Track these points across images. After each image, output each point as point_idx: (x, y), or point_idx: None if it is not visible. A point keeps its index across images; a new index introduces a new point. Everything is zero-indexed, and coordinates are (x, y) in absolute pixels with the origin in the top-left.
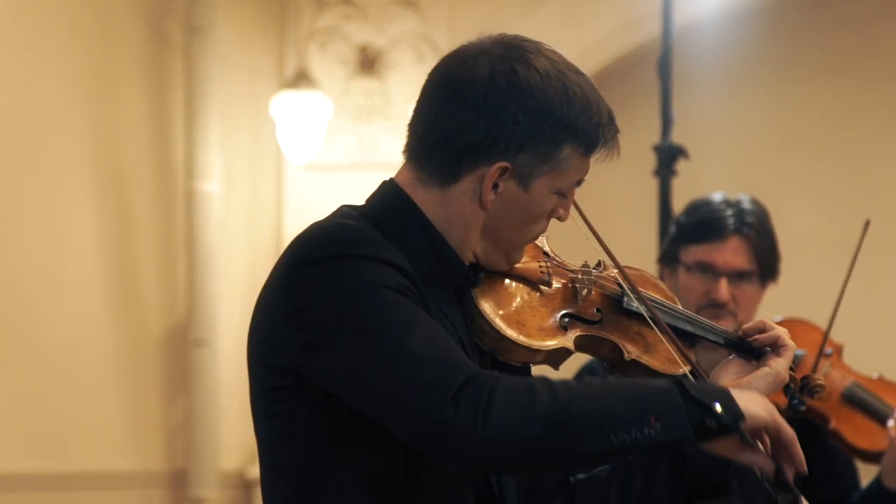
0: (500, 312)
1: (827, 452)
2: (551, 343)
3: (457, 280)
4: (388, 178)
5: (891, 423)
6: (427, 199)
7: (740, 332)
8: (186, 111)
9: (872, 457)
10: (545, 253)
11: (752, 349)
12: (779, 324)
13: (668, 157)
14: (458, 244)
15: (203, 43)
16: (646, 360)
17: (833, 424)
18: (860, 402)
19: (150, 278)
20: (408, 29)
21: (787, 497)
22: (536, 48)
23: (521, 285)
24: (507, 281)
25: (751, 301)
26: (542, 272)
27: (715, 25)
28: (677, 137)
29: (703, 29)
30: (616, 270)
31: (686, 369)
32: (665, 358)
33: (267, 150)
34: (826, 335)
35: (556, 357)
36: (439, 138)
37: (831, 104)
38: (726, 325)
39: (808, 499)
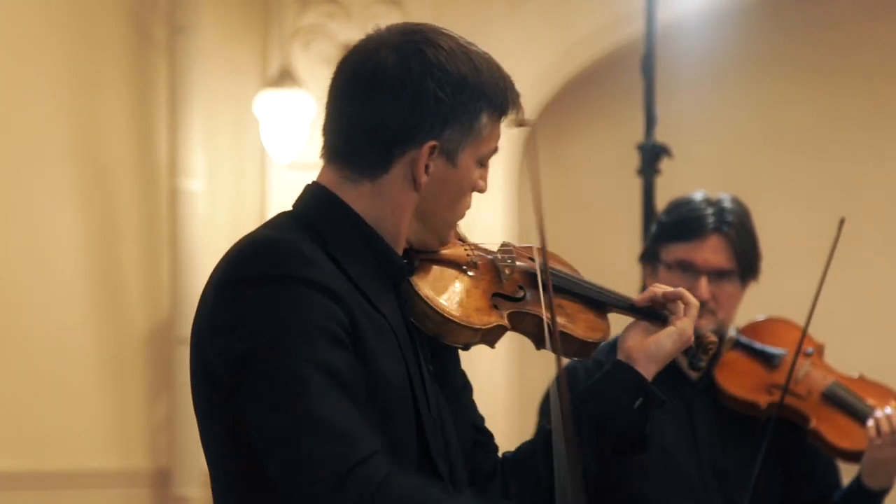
0: (441, 296)
1: (808, 452)
2: (491, 322)
3: (395, 274)
4: (310, 183)
5: (871, 422)
6: (357, 196)
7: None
8: (170, 109)
9: (853, 456)
10: (461, 238)
11: (656, 314)
12: (760, 323)
13: (651, 156)
14: (394, 233)
15: (186, 41)
16: (569, 329)
17: (814, 424)
18: (841, 401)
19: (134, 276)
20: None
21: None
22: (432, 29)
23: (452, 270)
24: (440, 266)
25: (731, 300)
26: (468, 255)
27: (698, 24)
28: (661, 136)
29: (686, 28)
30: (534, 248)
31: (602, 335)
32: (586, 326)
33: (250, 148)
34: (804, 334)
35: (492, 335)
36: (364, 133)
37: (814, 103)
38: (706, 324)
39: (789, 498)
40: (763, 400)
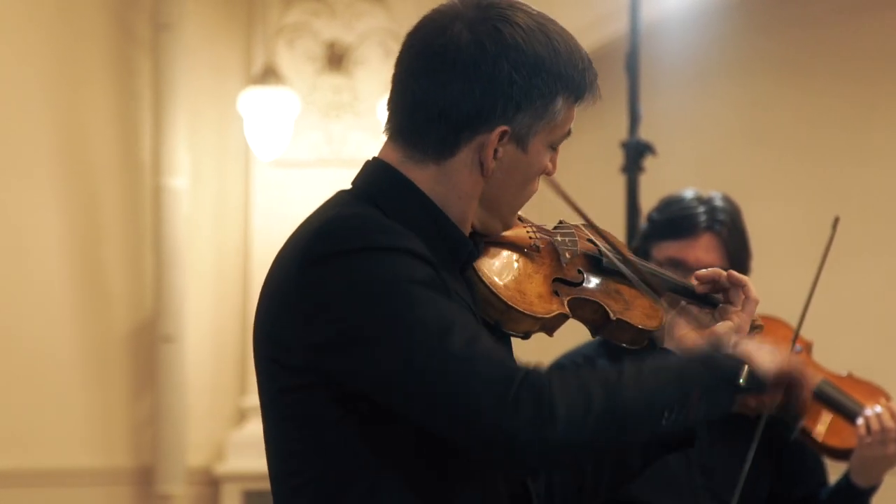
0: (504, 283)
1: (796, 450)
2: (553, 310)
3: (463, 257)
4: (372, 159)
5: (860, 420)
6: (423, 177)
7: (695, 279)
8: (154, 107)
9: (841, 454)
10: (519, 217)
11: (710, 299)
12: None
13: (635, 154)
14: (459, 218)
15: (170, 39)
16: (627, 317)
17: (803, 422)
18: (830, 399)
19: (118, 274)
20: (376, 25)
21: (792, 420)
22: (509, 4)
23: (515, 254)
24: (503, 250)
25: None
26: (531, 238)
27: (682, 22)
28: (644, 134)
29: (670, 26)
30: (588, 228)
31: (658, 323)
32: (643, 314)
33: (234, 146)
34: (796, 332)
35: (553, 324)
36: (433, 113)
37: (798, 101)
38: None
39: (777, 495)
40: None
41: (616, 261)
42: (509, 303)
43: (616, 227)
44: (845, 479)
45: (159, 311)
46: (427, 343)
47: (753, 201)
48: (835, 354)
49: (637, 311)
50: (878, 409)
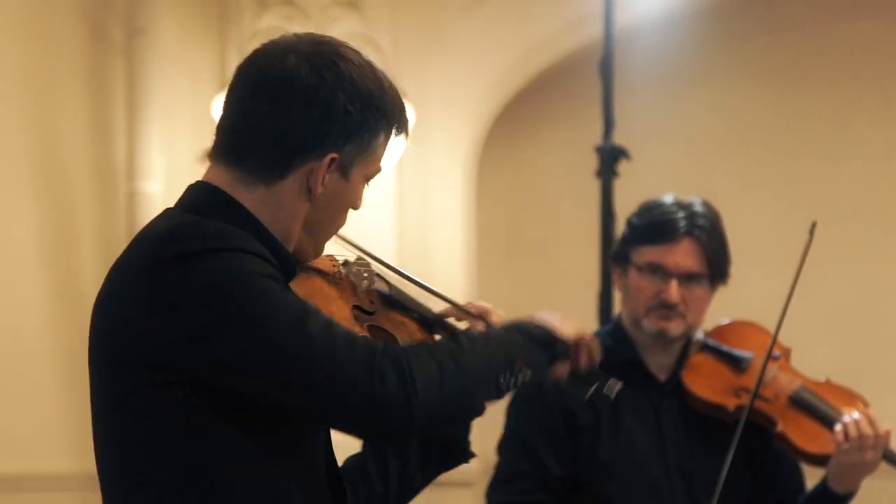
0: (317, 305)
1: (774, 455)
2: (359, 333)
3: (289, 272)
4: (195, 182)
5: (838, 427)
6: (251, 198)
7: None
8: (128, 111)
9: (819, 460)
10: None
11: (454, 330)
12: (727, 326)
13: (609, 159)
14: (284, 239)
15: (144, 43)
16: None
17: (780, 427)
18: (807, 405)
19: (91, 278)
20: (349, 30)
21: (586, 389)
22: (339, 42)
23: (322, 280)
24: (312, 276)
25: (700, 303)
26: (334, 266)
27: (656, 27)
28: (619, 139)
29: (644, 31)
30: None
31: None
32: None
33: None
34: (774, 338)
35: None
36: (268, 137)
37: (773, 106)
38: (676, 326)
39: (755, 501)
40: (731, 403)
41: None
42: None
43: (591, 231)
44: (823, 485)
45: None
46: (288, 329)
47: (729, 206)
48: (813, 360)
49: (419, 341)
50: (856, 415)
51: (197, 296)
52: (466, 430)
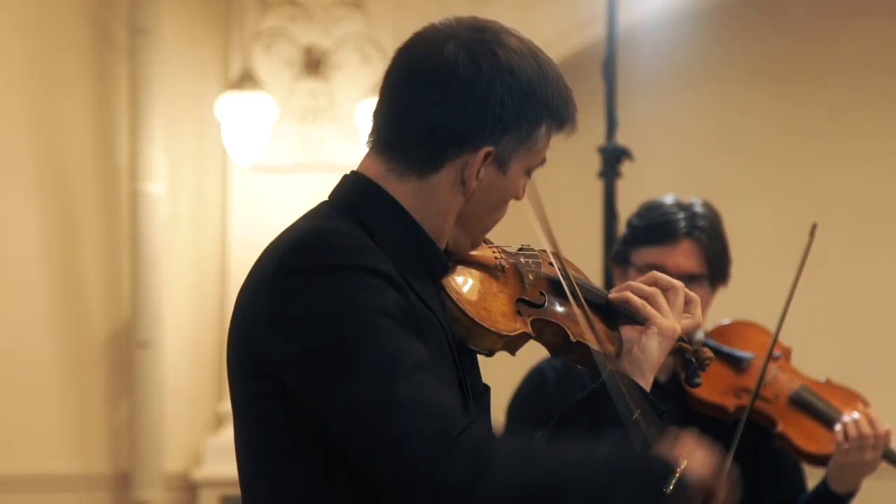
0: (471, 300)
1: (774, 455)
2: (517, 329)
3: (437, 271)
4: (351, 172)
5: (838, 426)
6: (403, 191)
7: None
8: (131, 112)
9: (819, 460)
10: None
11: (634, 317)
12: (727, 326)
13: (612, 159)
14: (436, 234)
15: (147, 43)
16: (588, 340)
17: (780, 427)
18: (808, 405)
19: (95, 279)
20: (353, 30)
21: None
22: (502, 28)
23: (482, 273)
24: (470, 269)
25: (701, 304)
26: (496, 258)
27: (660, 28)
28: (622, 139)
29: (647, 31)
30: (549, 253)
31: (614, 348)
32: (600, 338)
33: (212, 151)
34: (774, 338)
35: (516, 343)
36: (422, 129)
37: (775, 107)
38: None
39: (754, 501)
40: (731, 403)
41: (567, 289)
42: (475, 319)
43: (593, 232)
44: (823, 485)
45: (136, 316)
46: (374, 380)
47: (730, 207)
48: (813, 360)
49: (595, 335)
50: (856, 415)
51: (307, 316)
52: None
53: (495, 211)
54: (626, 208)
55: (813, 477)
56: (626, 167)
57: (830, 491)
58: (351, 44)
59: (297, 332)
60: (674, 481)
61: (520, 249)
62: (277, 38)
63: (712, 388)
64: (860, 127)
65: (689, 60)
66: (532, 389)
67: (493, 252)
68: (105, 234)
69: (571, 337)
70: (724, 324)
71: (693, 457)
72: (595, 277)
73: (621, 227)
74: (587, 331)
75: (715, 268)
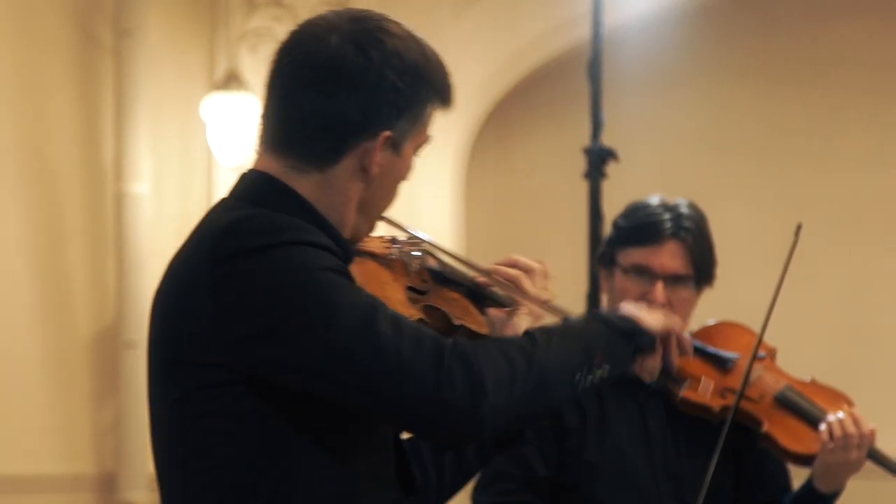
0: (371, 290)
1: (759, 455)
2: (414, 315)
3: (346, 259)
4: (248, 171)
5: (823, 426)
6: (305, 184)
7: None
8: (116, 113)
9: (804, 460)
10: None
11: (502, 300)
12: (712, 327)
13: (598, 160)
14: (340, 223)
15: (133, 44)
16: (468, 322)
17: (766, 427)
18: (793, 405)
19: (80, 280)
20: None
21: (677, 386)
22: (380, 15)
23: (376, 263)
24: (366, 260)
25: (686, 304)
26: (386, 248)
27: (645, 29)
28: (607, 140)
29: (632, 32)
30: (421, 240)
31: (489, 329)
32: (476, 320)
33: (197, 151)
34: (759, 339)
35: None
36: (320, 124)
37: (761, 107)
38: None
39: (741, 501)
40: (716, 403)
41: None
42: None
43: (579, 232)
44: (808, 485)
45: (122, 316)
46: (355, 328)
47: (716, 207)
48: (799, 360)
49: (473, 317)
50: (841, 414)
51: (259, 295)
52: None
53: (390, 193)
54: (612, 209)
55: (798, 477)
56: (611, 168)
57: (815, 491)
58: None
59: (253, 309)
60: (640, 340)
61: (406, 240)
62: (263, 38)
63: (697, 389)
64: (847, 127)
65: (675, 61)
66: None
67: (383, 242)
68: (90, 234)
69: (454, 320)
70: (709, 324)
71: (641, 312)
72: (581, 278)
73: (607, 228)
74: (464, 313)
75: (700, 269)
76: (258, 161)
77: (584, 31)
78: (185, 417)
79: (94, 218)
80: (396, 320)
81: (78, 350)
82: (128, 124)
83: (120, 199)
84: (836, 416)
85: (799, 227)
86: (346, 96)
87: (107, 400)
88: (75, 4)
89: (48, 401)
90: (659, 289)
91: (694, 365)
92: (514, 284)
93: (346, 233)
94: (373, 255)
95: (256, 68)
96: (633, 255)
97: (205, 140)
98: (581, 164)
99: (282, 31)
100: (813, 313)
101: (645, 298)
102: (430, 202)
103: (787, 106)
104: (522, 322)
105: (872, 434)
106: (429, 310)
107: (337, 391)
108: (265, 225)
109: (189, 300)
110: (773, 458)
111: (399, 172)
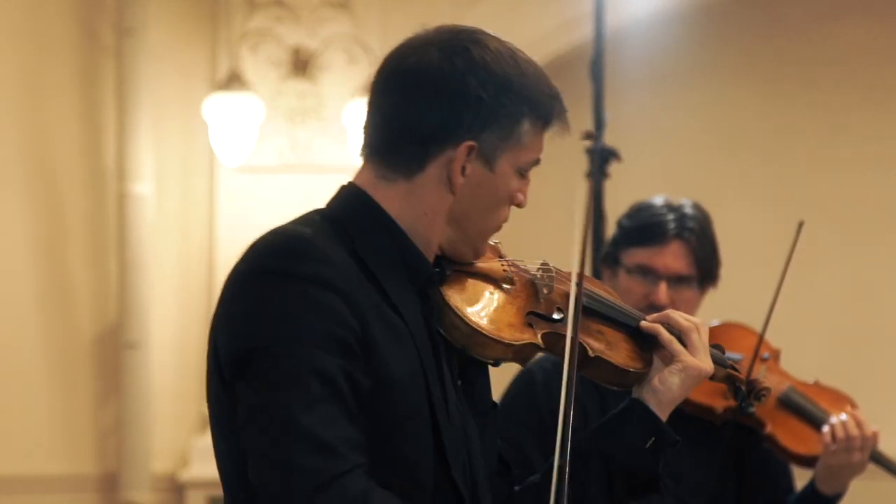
0: (471, 308)
1: (762, 456)
2: (523, 339)
3: (421, 279)
4: (346, 183)
5: (826, 428)
6: (391, 196)
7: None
8: (118, 113)
9: (807, 461)
10: (500, 254)
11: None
12: (716, 328)
13: (600, 160)
14: (426, 236)
15: (134, 44)
16: (609, 356)
17: (769, 429)
18: (796, 406)
19: (82, 280)
20: (340, 31)
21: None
22: (481, 31)
23: (486, 284)
24: (473, 279)
25: (689, 305)
26: (504, 271)
27: (647, 28)
28: (609, 140)
29: (635, 32)
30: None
31: (642, 365)
32: (626, 355)
33: (199, 151)
34: (761, 339)
35: (524, 353)
36: (402, 129)
37: (763, 107)
38: None
39: (744, 502)
40: (719, 405)
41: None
42: (474, 327)
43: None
44: (811, 487)
45: (124, 317)
46: (285, 399)
47: (718, 207)
48: (802, 361)
49: (622, 352)
50: (844, 416)
51: (251, 319)
52: (657, 459)
53: (489, 213)
54: (614, 209)
55: (801, 478)
56: (613, 168)
57: (818, 492)
58: (338, 45)
59: (237, 333)
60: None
61: (541, 266)
62: (264, 38)
63: (700, 389)
64: (849, 127)
65: (677, 61)
66: (521, 393)
67: (503, 265)
68: (92, 234)
69: (589, 352)
70: (712, 325)
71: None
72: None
73: (609, 229)
74: (609, 346)
75: (704, 269)
76: (358, 172)
77: (586, 31)
78: (214, 420)
79: (96, 218)
80: (324, 417)
81: (80, 350)
82: (129, 124)
83: (122, 200)
84: (839, 417)
85: (801, 225)
86: (425, 101)
87: (109, 400)
88: (77, 4)
89: (50, 401)
90: (662, 289)
91: None
92: (683, 335)
93: (434, 247)
94: (483, 275)
95: (258, 68)
96: (636, 256)
97: (206, 140)
98: (583, 163)
99: (283, 30)
100: (814, 314)
101: (648, 299)
102: None
103: (789, 106)
104: (675, 377)
105: (875, 436)
106: (554, 337)
107: (241, 436)
108: (285, 248)
109: (220, 303)
110: (777, 460)
111: (496, 189)
